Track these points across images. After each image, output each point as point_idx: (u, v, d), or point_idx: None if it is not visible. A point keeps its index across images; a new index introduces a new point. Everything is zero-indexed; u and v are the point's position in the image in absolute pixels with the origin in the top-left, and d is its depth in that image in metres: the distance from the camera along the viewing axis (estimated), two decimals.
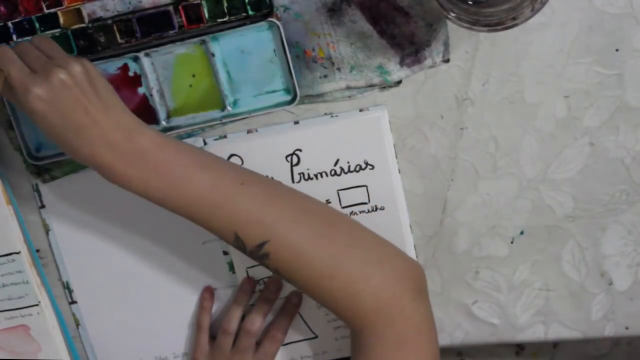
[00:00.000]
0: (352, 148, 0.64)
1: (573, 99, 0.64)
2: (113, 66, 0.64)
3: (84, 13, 0.63)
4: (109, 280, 0.70)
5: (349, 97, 0.65)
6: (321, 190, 0.65)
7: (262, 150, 0.65)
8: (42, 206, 0.69)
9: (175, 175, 0.56)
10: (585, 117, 0.65)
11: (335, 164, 0.65)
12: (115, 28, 0.63)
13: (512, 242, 0.68)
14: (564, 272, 0.69)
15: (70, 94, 0.54)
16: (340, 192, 0.66)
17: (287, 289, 0.69)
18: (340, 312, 0.59)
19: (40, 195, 0.69)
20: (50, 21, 0.63)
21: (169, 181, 0.56)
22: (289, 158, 0.65)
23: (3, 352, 0.71)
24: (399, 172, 0.66)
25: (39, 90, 0.53)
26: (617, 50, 0.62)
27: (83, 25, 0.63)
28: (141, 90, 0.65)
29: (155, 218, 0.67)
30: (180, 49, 0.63)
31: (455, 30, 0.62)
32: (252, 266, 0.69)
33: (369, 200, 0.66)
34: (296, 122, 0.65)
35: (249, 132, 0.66)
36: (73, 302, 0.71)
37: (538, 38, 0.62)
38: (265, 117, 0.65)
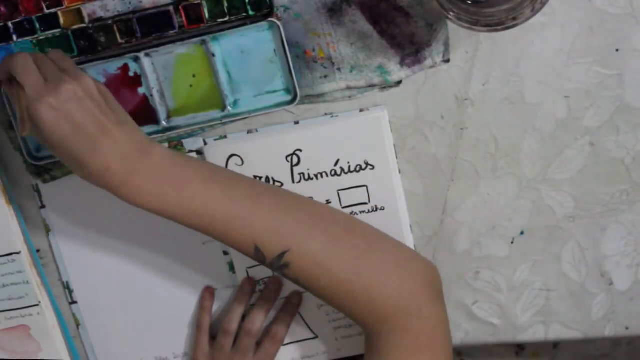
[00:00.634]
0: (352, 148, 0.64)
1: (573, 99, 0.64)
2: (113, 66, 0.64)
3: (84, 13, 0.63)
4: (109, 280, 0.70)
5: (349, 97, 0.65)
6: (321, 190, 0.65)
7: (262, 150, 0.65)
8: (42, 206, 0.69)
9: (192, 189, 0.56)
10: (586, 117, 0.65)
11: (336, 164, 0.65)
12: (115, 28, 0.63)
13: (512, 242, 0.68)
14: (564, 272, 0.69)
15: (82, 105, 0.53)
16: (340, 192, 0.66)
17: (287, 289, 0.69)
18: (358, 316, 0.59)
19: (40, 195, 0.69)
20: (50, 21, 0.63)
21: (185, 196, 0.56)
22: (289, 158, 0.65)
23: (3, 352, 0.71)
24: (399, 172, 0.66)
25: (50, 99, 0.52)
26: (617, 50, 0.62)
27: (83, 25, 0.63)
28: (141, 90, 0.65)
29: (155, 218, 0.67)
30: (180, 49, 0.63)
31: (455, 31, 0.62)
32: (252, 266, 0.69)
33: (369, 201, 0.66)
34: (296, 122, 0.65)
35: (249, 132, 0.66)
36: (73, 302, 0.71)
37: (538, 38, 0.62)
38: (266, 117, 0.65)
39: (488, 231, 0.68)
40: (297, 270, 0.58)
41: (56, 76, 0.53)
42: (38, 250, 0.70)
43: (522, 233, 0.68)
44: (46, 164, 0.67)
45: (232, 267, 0.70)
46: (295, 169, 0.65)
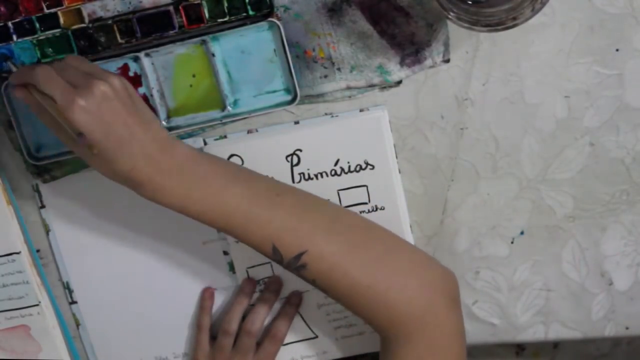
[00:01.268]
0: (352, 148, 0.64)
1: (573, 99, 0.64)
2: (113, 66, 0.64)
3: (84, 13, 0.63)
4: (109, 280, 0.70)
5: (349, 97, 0.65)
6: (321, 190, 0.65)
7: (262, 150, 0.65)
8: (42, 206, 0.69)
9: (213, 187, 0.57)
10: (586, 117, 0.65)
11: (336, 164, 0.65)
12: (115, 28, 0.63)
13: (512, 242, 0.68)
14: (564, 272, 0.69)
15: (111, 106, 0.53)
16: (340, 192, 0.66)
17: (287, 289, 0.69)
18: (374, 320, 0.59)
19: (40, 195, 0.69)
20: (50, 21, 0.63)
21: (207, 193, 0.56)
22: (289, 158, 0.65)
23: (3, 352, 0.71)
24: (399, 172, 0.66)
25: (82, 102, 0.52)
26: (617, 50, 0.62)
27: (83, 25, 0.63)
28: (141, 90, 0.65)
29: (155, 218, 0.67)
30: (180, 49, 0.63)
31: (455, 30, 0.62)
32: (252, 266, 0.69)
33: (369, 200, 0.66)
34: (296, 122, 0.65)
35: (249, 132, 0.66)
36: (73, 302, 0.71)
37: (538, 38, 0.62)
38: (266, 117, 0.65)
39: (488, 231, 0.68)
40: (314, 271, 0.58)
41: (84, 80, 0.54)
42: (38, 250, 0.70)
43: (522, 233, 0.68)
44: (46, 164, 0.67)
45: (232, 267, 0.70)
46: (295, 168, 0.65)
